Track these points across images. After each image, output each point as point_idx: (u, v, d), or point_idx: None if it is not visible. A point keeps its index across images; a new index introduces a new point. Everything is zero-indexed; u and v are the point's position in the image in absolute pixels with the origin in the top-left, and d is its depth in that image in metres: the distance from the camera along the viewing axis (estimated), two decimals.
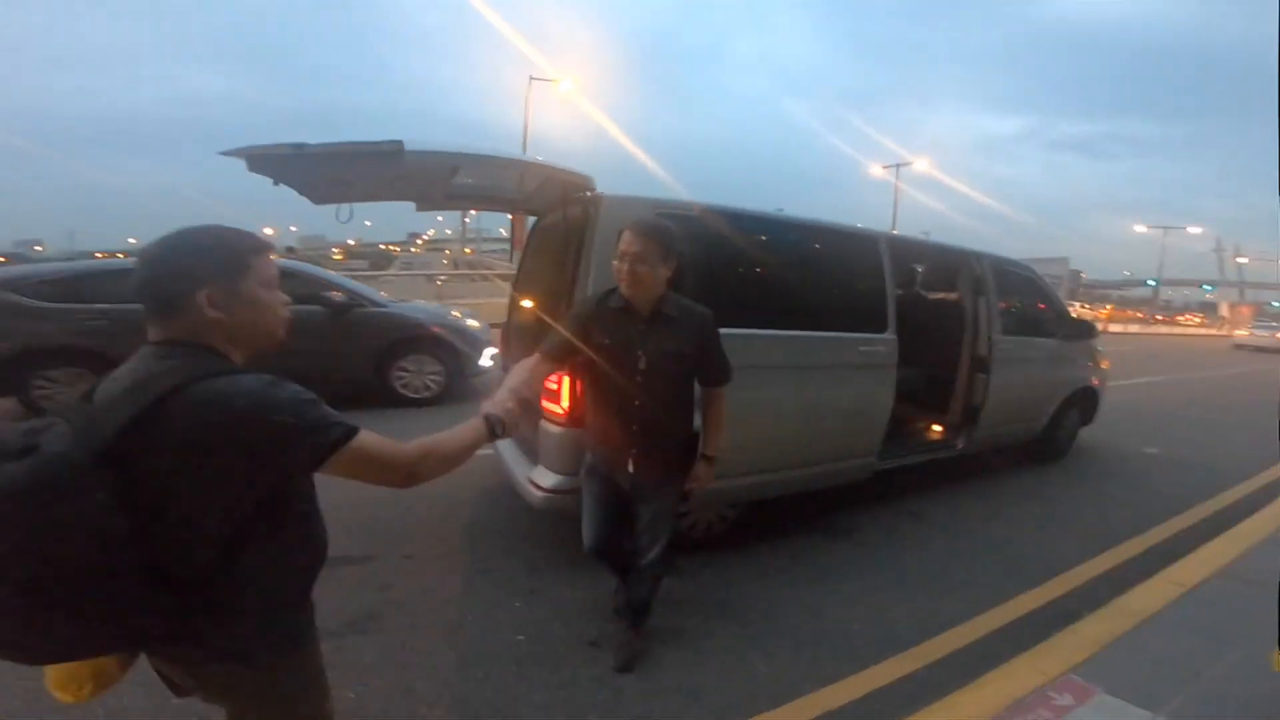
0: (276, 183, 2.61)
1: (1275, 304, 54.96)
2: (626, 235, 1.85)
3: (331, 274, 6.40)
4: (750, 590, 2.77)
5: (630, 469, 1.99)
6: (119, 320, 4.66)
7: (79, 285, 4.88)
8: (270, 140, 2.31)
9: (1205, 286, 64.90)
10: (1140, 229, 53.74)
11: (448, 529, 3.23)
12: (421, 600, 2.56)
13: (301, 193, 2.96)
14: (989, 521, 3.74)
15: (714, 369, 2.02)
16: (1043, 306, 4.76)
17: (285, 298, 1.04)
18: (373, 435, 0.99)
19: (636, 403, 1.90)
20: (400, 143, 2.18)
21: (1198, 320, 58.38)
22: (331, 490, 3.42)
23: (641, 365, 1.89)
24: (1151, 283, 57.23)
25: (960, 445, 4.07)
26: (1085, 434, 5.41)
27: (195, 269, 0.93)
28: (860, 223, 3.68)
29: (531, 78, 19.48)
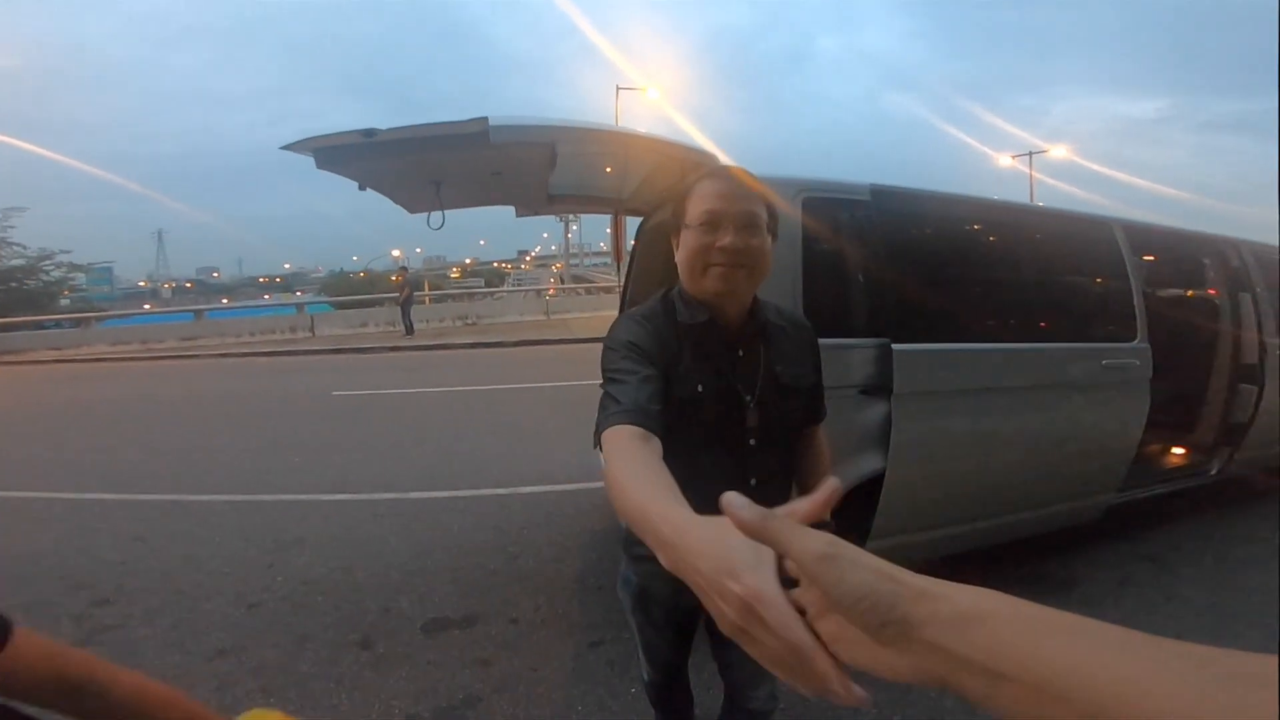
0: (362, 187, 2.40)
1: None
2: (718, 189, 1.05)
3: None
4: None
5: None
6: None
7: None
8: None
9: None
10: None
11: (556, 586, 2.78)
12: (525, 681, 2.14)
13: (393, 199, 2.79)
14: (1264, 566, 2.77)
15: (822, 399, 1.28)
16: None
17: None
18: None
19: (752, 480, 1.13)
20: (484, 119, 1.79)
21: None
22: (431, 533, 2.98)
23: (752, 420, 1.12)
24: None
25: (1214, 471, 3.18)
26: None
27: None
28: None
29: (619, 87, 19.39)
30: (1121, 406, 2.54)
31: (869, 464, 2.03)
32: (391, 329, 14.71)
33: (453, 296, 26.36)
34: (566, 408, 6.11)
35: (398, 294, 14.68)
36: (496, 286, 35.41)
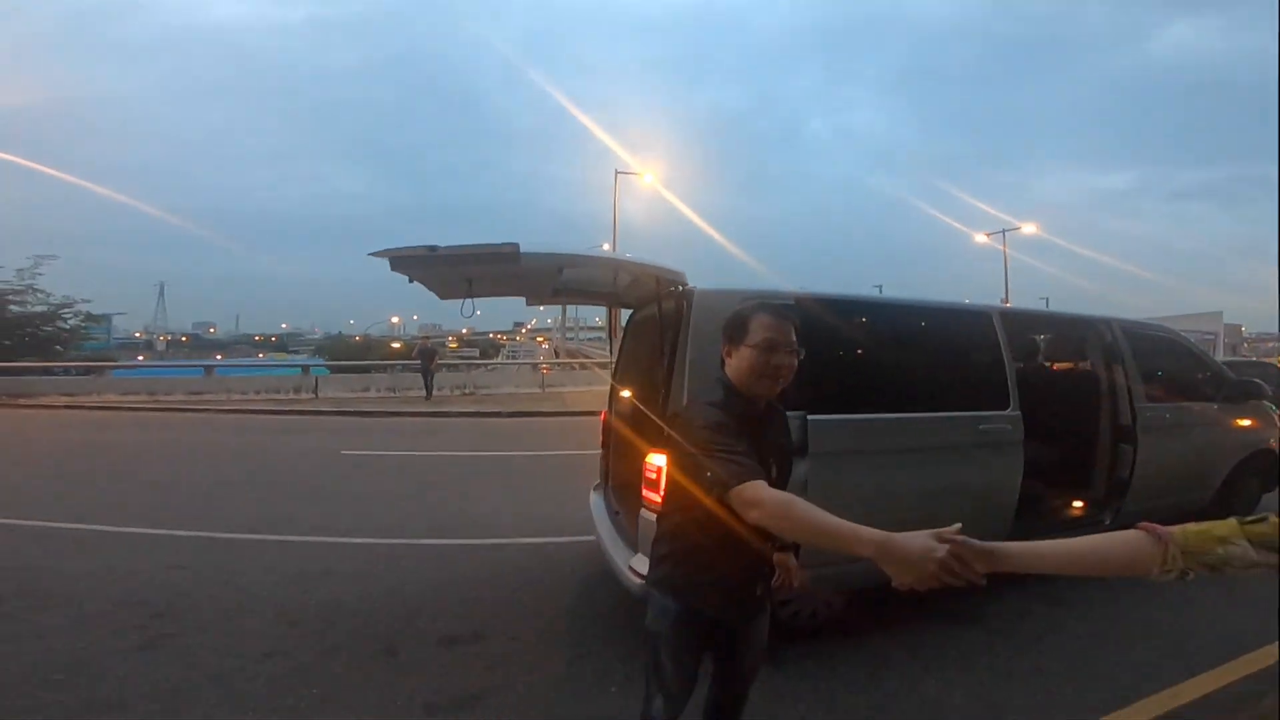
0: (411, 280, 2.90)
1: None
2: (771, 321, 1.52)
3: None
4: (859, 681, 2.59)
5: (752, 602, 1.71)
6: None
7: None
8: (400, 236, 2.61)
9: None
10: None
11: (550, 613, 3.28)
12: (524, 682, 2.60)
13: (431, 289, 3.29)
14: (1146, 604, 3.28)
15: None
16: (1192, 369, 4.40)
17: None
18: None
19: None
20: (516, 246, 2.37)
21: None
22: (442, 571, 3.57)
23: (773, 474, 1.58)
24: None
25: (1108, 521, 3.71)
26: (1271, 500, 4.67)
27: None
28: (969, 294, 3.64)
29: (617, 172, 20.86)
30: (997, 464, 3.11)
31: None
32: (390, 394, 15.32)
33: (448, 366, 27.11)
34: (558, 473, 6.66)
35: (420, 359, 15.57)
36: (492, 357, 36.23)
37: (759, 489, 1.32)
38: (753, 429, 1.52)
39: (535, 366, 21.68)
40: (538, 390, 16.94)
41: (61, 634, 2.92)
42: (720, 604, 1.66)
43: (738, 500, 1.33)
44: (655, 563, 1.74)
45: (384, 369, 18.28)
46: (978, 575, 1.02)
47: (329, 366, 20.49)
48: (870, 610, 3.04)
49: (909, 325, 3.27)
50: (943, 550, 1.04)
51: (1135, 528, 0.97)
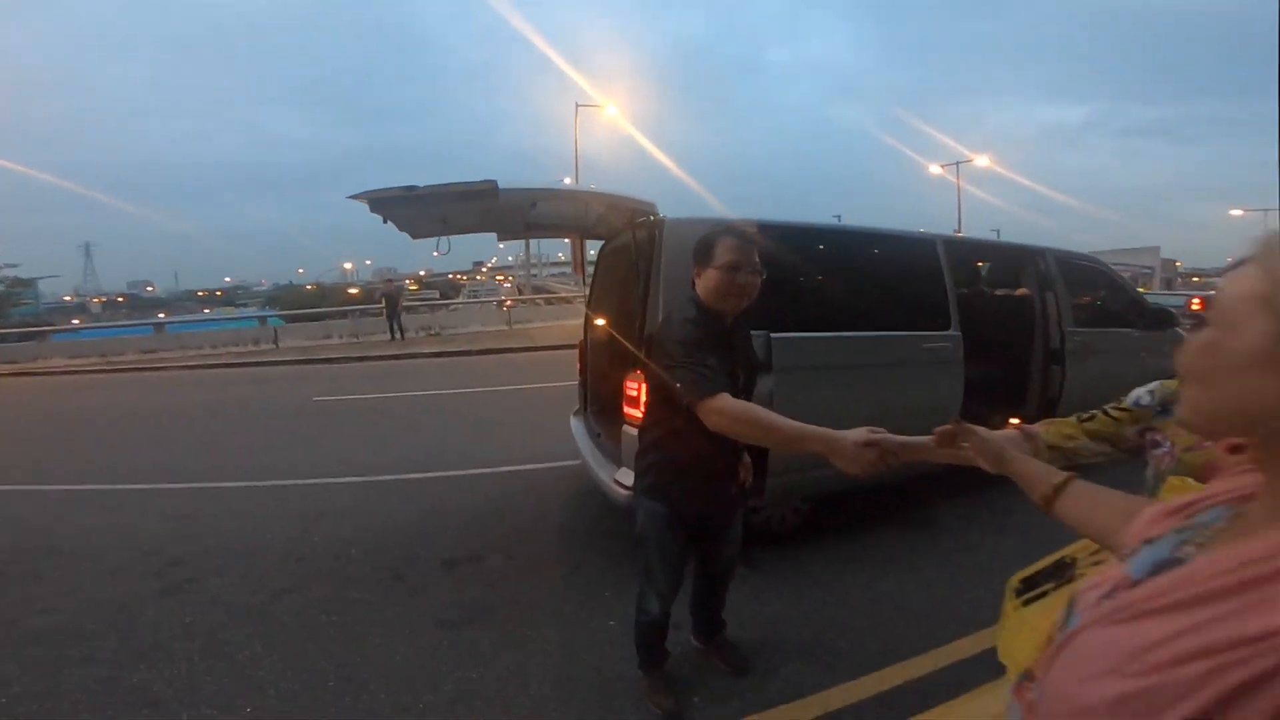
0: (385, 220, 2.90)
1: None
2: (735, 244, 1.66)
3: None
4: (824, 578, 2.91)
5: (727, 500, 1.94)
6: None
7: None
8: (350, 180, 2.57)
9: None
10: (1236, 212, 49.22)
11: (541, 531, 3.57)
12: (526, 594, 2.86)
13: (404, 229, 3.29)
14: None
15: None
16: (1116, 297, 4.68)
17: None
18: None
19: None
20: (494, 183, 2.44)
21: None
22: (433, 502, 3.79)
23: (740, 382, 1.77)
24: None
25: None
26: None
27: None
28: (922, 224, 3.80)
29: (578, 105, 20.16)
30: (939, 381, 3.39)
31: None
32: (354, 340, 15.10)
33: (409, 309, 26.56)
34: (532, 405, 6.89)
35: (385, 302, 15.38)
36: (452, 298, 35.74)
37: (723, 400, 1.52)
38: (721, 341, 1.69)
39: (499, 304, 21.42)
40: (504, 327, 16.85)
41: (93, 587, 3.05)
42: (702, 503, 1.88)
43: (703, 410, 1.53)
44: (641, 472, 1.93)
45: (344, 315, 17.89)
46: (899, 461, 1.24)
47: (284, 316, 19.92)
48: (833, 516, 3.38)
49: (862, 251, 3.44)
50: (875, 439, 1.24)
51: (1012, 428, 1.20)
